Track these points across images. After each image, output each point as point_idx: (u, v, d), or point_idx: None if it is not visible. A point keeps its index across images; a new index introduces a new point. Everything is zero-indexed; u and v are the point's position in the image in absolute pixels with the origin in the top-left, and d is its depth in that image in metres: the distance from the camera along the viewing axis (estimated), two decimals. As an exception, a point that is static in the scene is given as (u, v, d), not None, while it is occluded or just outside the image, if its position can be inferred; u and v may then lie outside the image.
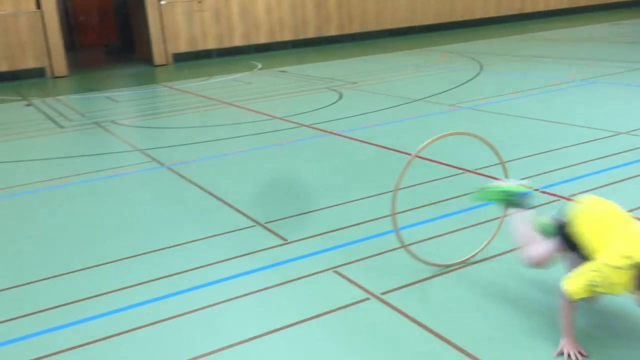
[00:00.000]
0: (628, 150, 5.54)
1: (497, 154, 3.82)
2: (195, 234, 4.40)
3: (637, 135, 6.00)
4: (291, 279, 3.62)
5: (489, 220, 4.15)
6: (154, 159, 6.68)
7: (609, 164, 5.22)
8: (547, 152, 5.73)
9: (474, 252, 3.72)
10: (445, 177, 5.27)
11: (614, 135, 6.08)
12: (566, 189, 4.70)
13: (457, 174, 5.33)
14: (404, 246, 3.58)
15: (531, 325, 2.96)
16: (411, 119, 7.72)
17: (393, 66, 12.73)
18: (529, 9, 21.86)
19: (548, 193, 4.63)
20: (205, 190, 5.42)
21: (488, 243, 3.77)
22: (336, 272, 3.66)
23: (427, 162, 5.73)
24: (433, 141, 3.48)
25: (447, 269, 3.61)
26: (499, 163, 3.84)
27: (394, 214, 3.52)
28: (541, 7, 22.11)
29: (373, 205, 4.72)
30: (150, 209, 5.11)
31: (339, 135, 7.12)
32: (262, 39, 17.57)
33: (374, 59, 14.31)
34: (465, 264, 3.63)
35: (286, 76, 12.56)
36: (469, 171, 5.36)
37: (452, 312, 3.14)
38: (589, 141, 5.96)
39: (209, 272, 3.80)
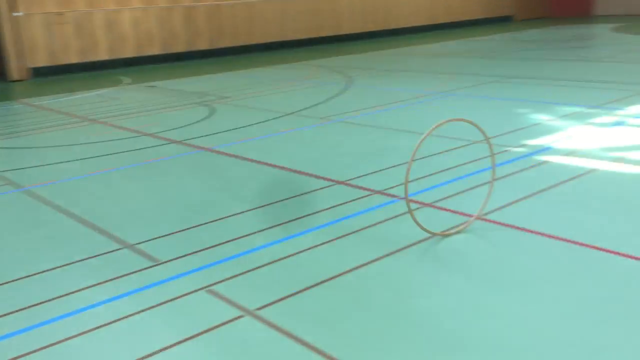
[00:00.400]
0: (483, 158, 5.96)
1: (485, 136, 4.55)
2: (56, 261, 4.12)
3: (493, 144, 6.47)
4: (162, 301, 3.49)
5: (357, 230, 4.28)
6: (10, 182, 6.19)
7: (466, 171, 5.58)
8: (417, 159, 6.01)
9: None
10: (316, 190, 5.36)
11: (469, 144, 6.52)
12: (429, 196, 4.95)
13: (326, 187, 5.44)
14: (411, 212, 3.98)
15: (407, 333, 3.08)
16: (283, 132, 7.80)
17: (265, 80, 12.81)
18: (393, 25, 22.98)
19: (413, 201, 4.86)
20: (69, 213, 5.10)
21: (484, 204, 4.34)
22: (209, 291, 3.58)
23: (296, 174, 5.81)
24: (436, 127, 4.15)
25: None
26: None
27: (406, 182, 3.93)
28: (402, 24, 23.34)
29: (246, 221, 4.69)
30: (4, 236, 4.72)
31: (212, 151, 7.02)
32: (130, 52, 16.97)
33: (246, 73, 14.32)
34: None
35: (156, 91, 12.21)
36: (339, 182, 5.49)
37: (328, 324, 3.18)
38: (446, 150, 6.33)
39: (71, 301, 3.57)
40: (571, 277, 3.51)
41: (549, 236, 4.06)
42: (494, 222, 4.36)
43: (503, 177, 5.35)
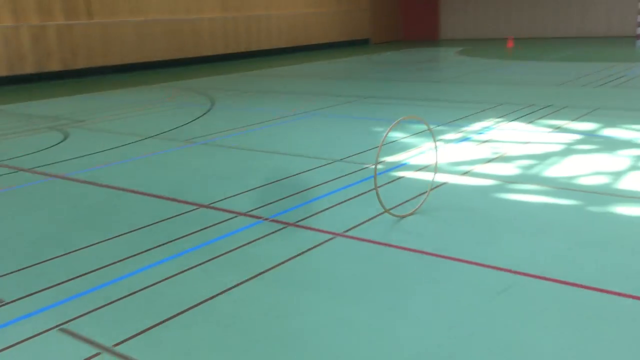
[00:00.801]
0: (344, 175, 6.15)
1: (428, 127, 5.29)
2: None
3: (349, 162, 6.71)
4: (11, 344, 3.20)
5: (222, 254, 4.23)
6: None
7: (328, 189, 5.73)
8: (274, 182, 6.06)
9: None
10: (178, 215, 5.23)
11: (331, 163, 6.71)
12: (292, 216, 5.01)
13: (190, 210, 5.32)
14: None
15: (277, 355, 3.06)
16: (144, 156, 7.53)
17: (123, 103, 12.33)
18: (255, 47, 23.18)
19: (276, 221, 4.89)
20: None
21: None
22: (62, 329, 3.34)
23: (158, 199, 5.63)
24: (391, 128, 4.68)
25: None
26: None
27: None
28: (265, 46, 23.63)
29: (103, 252, 4.45)
30: None
31: (65, 178, 6.61)
32: (-31, 74, 15.58)
33: (103, 95, 13.70)
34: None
35: (1, 116, 11.29)
36: (203, 206, 5.40)
37: (192, 354, 3.08)
38: (310, 169, 6.47)
39: None
40: (427, 286, 3.71)
41: (407, 249, 4.26)
42: (355, 238, 4.50)
43: (362, 193, 5.55)
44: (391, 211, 4.90)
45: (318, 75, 16.36)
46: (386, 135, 5.16)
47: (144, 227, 4.92)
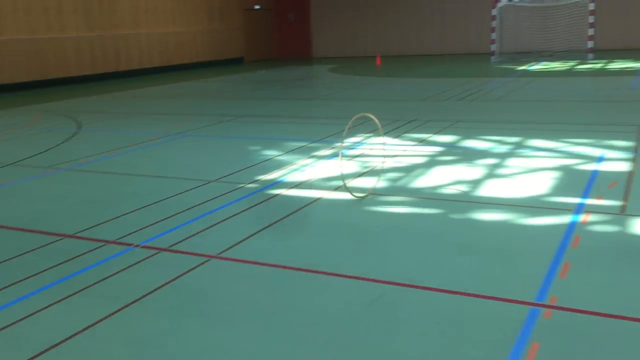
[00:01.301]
0: (219, 196, 6.09)
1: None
2: None
3: (224, 182, 6.66)
4: None
5: (88, 286, 4.02)
6: None
7: (202, 211, 5.64)
8: (146, 206, 5.87)
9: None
10: (40, 247, 4.90)
11: (205, 184, 6.62)
12: (164, 241, 4.88)
13: (53, 242, 5.01)
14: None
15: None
16: (2, 186, 7.00)
17: (-23, 129, 11.40)
18: (124, 67, 22.41)
19: (148, 247, 4.73)
20: None
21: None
22: None
23: (17, 231, 5.25)
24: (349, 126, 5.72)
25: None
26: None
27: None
28: (136, 65, 22.92)
29: (-46, 293, 4.06)
30: None
31: None
32: None
33: (-47, 121, 12.58)
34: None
35: None
36: (67, 236, 5.10)
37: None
38: (184, 192, 6.34)
39: None
40: (302, 303, 3.75)
41: (282, 267, 4.29)
42: (230, 259, 4.46)
43: (237, 214, 5.52)
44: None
45: (191, 95, 16.13)
46: (347, 131, 6.40)
47: (0, 262, 4.56)
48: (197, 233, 5.03)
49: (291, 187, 6.37)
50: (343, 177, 6.11)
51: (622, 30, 24.27)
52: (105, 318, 3.61)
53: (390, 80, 17.69)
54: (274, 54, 31.10)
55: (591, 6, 20.62)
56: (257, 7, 29.56)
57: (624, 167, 6.53)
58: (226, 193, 6.21)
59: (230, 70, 24.15)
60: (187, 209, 5.70)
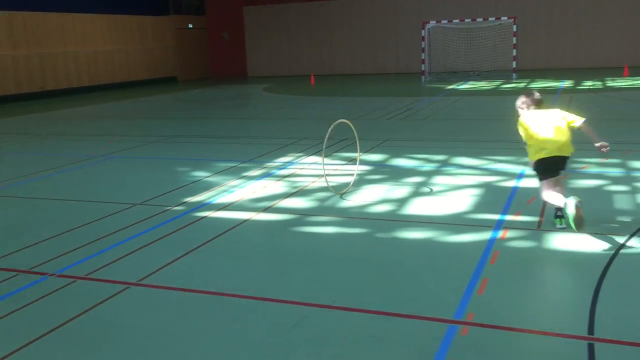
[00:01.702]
0: (144, 220, 5.94)
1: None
2: None
3: (150, 205, 6.51)
4: None
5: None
6: None
7: (125, 236, 5.48)
8: (66, 232, 5.65)
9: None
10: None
11: (130, 207, 6.44)
12: (82, 269, 4.70)
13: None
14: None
15: None
16: None
17: None
18: (51, 86, 21.71)
19: (64, 276, 4.54)
20: None
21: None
22: None
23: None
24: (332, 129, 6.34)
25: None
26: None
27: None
28: (64, 85, 22.25)
29: None
30: None
31: None
32: None
33: None
34: None
35: None
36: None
37: None
38: (107, 216, 6.15)
39: None
40: (224, 328, 3.68)
41: (205, 292, 4.21)
42: (151, 286, 4.34)
43: (161, 237, 5.40)
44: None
45: (121, 116, 15.76)
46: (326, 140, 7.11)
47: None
48: (118, 259, 4.88)
49: (219, 209, 6.29)
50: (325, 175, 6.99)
51: (544, 51, 25.46)
52: (16, 351, 3.43)
53: (323, 100, 17.87)
54: (209, 73, 30.89)
55: (514, 28, 21.56)
56: (190, 26, 29.34)
57: (542, 183, 6.79)
58: (151, 216, 6.06)
59: (162, 89, 23.78)
60: (109, 234, 5.53)
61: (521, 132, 5.30)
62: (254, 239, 5.37)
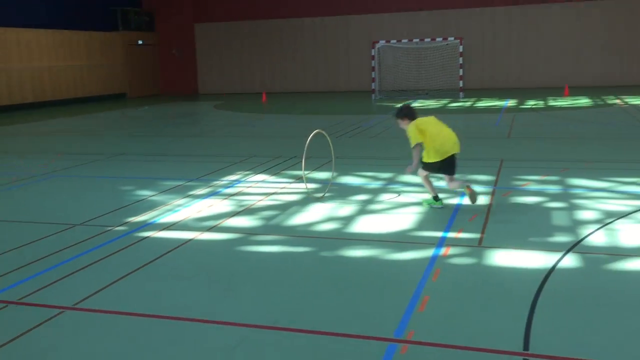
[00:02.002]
0: (82, 241, 5.77)
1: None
2: None
3: (91, 226, 6.33)
4: None
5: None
6: None
7: (65, 256, 5.31)
8: (0, 254, 5.44)
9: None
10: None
11: (69, 228, 6.25)
12: (14, 293, 4.52)
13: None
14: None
15: None
16: None
17: None
18: (-8, 102, 21.02)
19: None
20: None
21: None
22: None
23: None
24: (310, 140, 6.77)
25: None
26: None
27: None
28: (5, 101, 21.58)
29: None
30: None
31: None
32: None
33: None
34: None
35: None
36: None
37: None
38: (43, 237, 5.95)
39: None
40: (167, 352, 3.59)
41: (145, 315, 4.10)
42: (87, 310, 4.20)
43: (101, 259, 5.25)
44: None
45: (66, 132, 15.37)
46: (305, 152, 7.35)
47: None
48: (53, 283, 4.71)
49: (162, 229, 6.17)
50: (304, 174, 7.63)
51: (490, 71, 26.22)
52: None
53: (275, 117, 17.87)
54: (159, 89, 30.52)
55: (461, 48, 22.13)
56: (140, 42, 28.98)
57: (484, 200, 6.94)
58: (91, 237, 5.90)
59: (111, 106, 23.33)
60: (44, 257, 5.34)
61: (418, 136, 6.38)
62: (198, 259, 5.29)
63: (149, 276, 4.87)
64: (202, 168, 9.51)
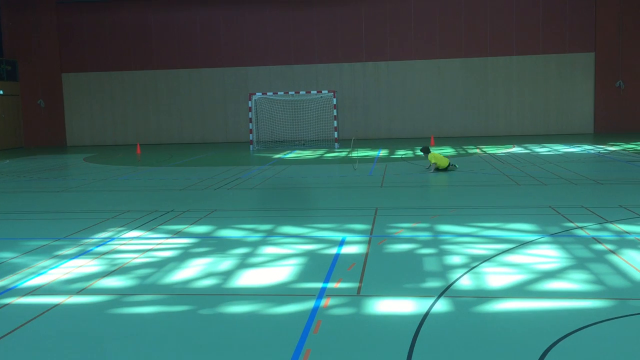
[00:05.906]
0: None
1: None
2: None
3: (-60, 295, 5.71)
4: None
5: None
6: None
7: None
8: None
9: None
10: None
11: None
12: None
13: None
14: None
15: None
16: None
17: None
18: None
19: None
20: None
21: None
22: None
23: None
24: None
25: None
26: None
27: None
28: None
29: None
30: None
31: None
32: None
33: None
34: None
35: None
36: None
37: None
38: None
39: None
40: None
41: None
42: None
43: (-49, 333, 4.73)
44: None
45: None
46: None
47: None
48: None
49: (25, 294, 5.70)
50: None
51: (363, 122, 27.41)
52: None
53: (149, 170, 17.36)
54: (24, 142, 28.64)
55: (334, 101, 22.99)
56: (0, 92, 27.19)
57: (361, 249, 7.14)
58: (-60, 308, 5.31)
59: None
60: None
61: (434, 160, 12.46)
62: (65, 326, 4.92)
63: (8, 348, 4.45)
64: (70, 225, 8.97)
